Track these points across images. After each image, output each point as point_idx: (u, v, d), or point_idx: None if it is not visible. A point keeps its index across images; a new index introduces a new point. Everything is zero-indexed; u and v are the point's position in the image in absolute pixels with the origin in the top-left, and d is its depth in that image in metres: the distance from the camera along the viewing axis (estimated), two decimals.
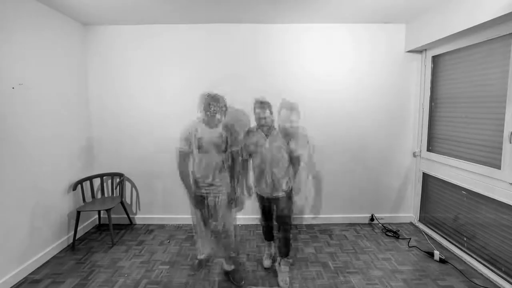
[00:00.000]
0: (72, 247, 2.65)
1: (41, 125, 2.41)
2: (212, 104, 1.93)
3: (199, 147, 1.98)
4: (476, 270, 2.25)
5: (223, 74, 2.97)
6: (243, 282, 2.12)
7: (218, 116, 1.97)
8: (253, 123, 2.24)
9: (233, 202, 2.12)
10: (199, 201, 2.05)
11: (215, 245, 2.21)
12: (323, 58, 2.97)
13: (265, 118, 2.04)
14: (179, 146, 2.00)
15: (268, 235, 2.41)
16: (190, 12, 2.62)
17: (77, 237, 2.75)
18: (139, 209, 3.22)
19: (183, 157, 2.01)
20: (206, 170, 2.00)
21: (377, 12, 2.62)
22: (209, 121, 1.98)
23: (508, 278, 2.03)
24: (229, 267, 2.19)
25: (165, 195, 3.17)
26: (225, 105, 2.02)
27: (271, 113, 2.08)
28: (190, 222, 3.09)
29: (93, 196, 3.00)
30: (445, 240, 2.66)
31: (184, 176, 2.01)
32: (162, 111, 3.04)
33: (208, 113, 1.94)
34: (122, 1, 2.35)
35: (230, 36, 2.95)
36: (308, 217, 3.14)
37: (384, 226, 3.06)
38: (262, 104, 2.06)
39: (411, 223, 3.16)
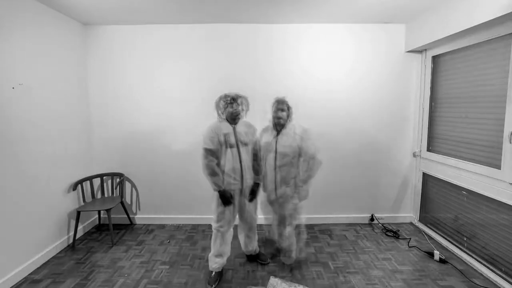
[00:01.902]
0: (72, 247, 2.65)
1: (41, 125, 2.41)
2: (234, 103, 2.03)
3: (226, 142, 2.02)
4: (476, 270, 2.25)
5: (223, 74, 2.97)
6: (268, 260, 2.38)
7: (240, 113, 2.07)
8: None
9: (254, 196, 2.20)
10: (228, 197, 2.05)
11: (245, 234, 2.34)
12: (323, 58, 2.97)
13: (280, 117, 2.12)
14: (203, 144, 2.01)
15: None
16: (190, 12, 2.62)
17: (77, 237, 2.75)
18: (139, 209, 3.22)
19: (209, 154, 2.00)
20: (234, 164, 2.03)
21: (377, 12, 2.62)
22: (230, 118, 2.06)
23: (508, 278, 2.03)
24: (255, 251, 2.39)
25: (165, 195, 3.17)
26: (247, 104, 2.12)
27: (288, 115, 2.16)
28: (190, 222, 3.15)
29: (93, 196, 3.00)
30: (445, 240, 2.66)
31: (210, 172, 2.00)
32: (162, 111, 3.04)
33: (231, 109, 2.02)
34: (122, 1, 2.36)
35: (230, 36, 2.95)
36: (308, 217, 3.14)
37: (384, 226, 3.06)
38: (280, 102, 2.16)
39: (411, 223, 3.16)
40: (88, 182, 2.97)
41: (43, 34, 2.43)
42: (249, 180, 2.11)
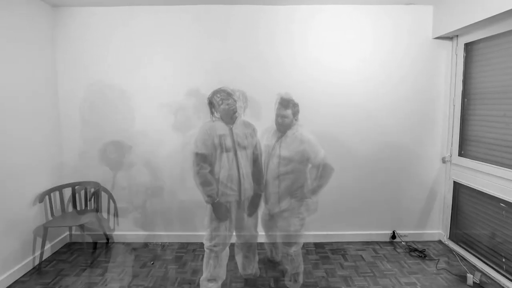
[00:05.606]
0: (38, 270, 2.65)
1: (0, 126, 2.40)
2: (230, 99, 2.04)
3: (221, 146, 2.02)
4: None
5: (218, 64, 2.98)
6: (271, 285, 2.39)
7: (237, 111, 2.07)
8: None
9: (255, 209, 2.21)
10: (223, 211, 2.04)
11: (242, 254, 2.38)
12: (335, 46, 2.98)
13: (285, 116, 2.13)
14: (194, 148, 2.02)
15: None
16: None
17: (44, 257, 2.75)
18: (118, 224, 3.22)
19: (201, 159, 2.00)
20: (231, 171, 2.03)
21: None
22: (226, 117, 2.05)
23: None
24: (254, 275, 2.42)
25: (148, 208, 3.17)
26: (245, 100, 2.17)
27: (293, 113, 2.16)
28: (178, 240, 3.15)
29: (63, 209, 3.00)
30: (480, 261, 2.66)
31: (203, 181, 1.99)
32: (146, 108, 3.04)
33: (226, 106, 2.02)
34: None
35: (227, 20, 2.96)
36: (318, 234, 3.14)
37: (408, 245, 3.06)
38: (284, 99, 2.16)
39: (440, 241, 3.17)
40: (57, 192, 2.97)
41: (3, 18, 2.42)
42: (248, 190, 2.11)
